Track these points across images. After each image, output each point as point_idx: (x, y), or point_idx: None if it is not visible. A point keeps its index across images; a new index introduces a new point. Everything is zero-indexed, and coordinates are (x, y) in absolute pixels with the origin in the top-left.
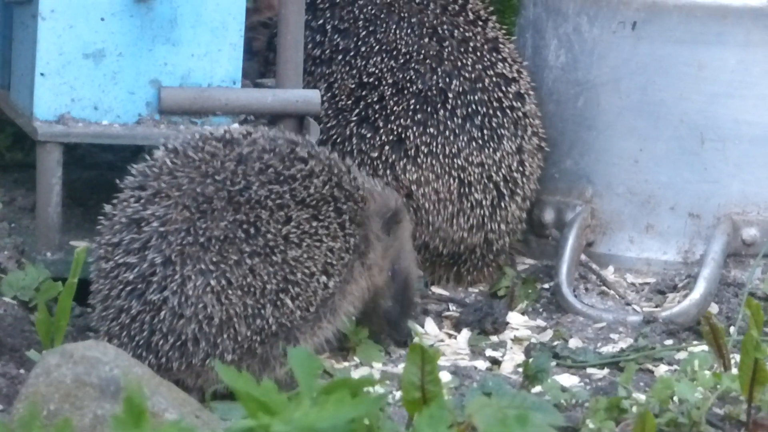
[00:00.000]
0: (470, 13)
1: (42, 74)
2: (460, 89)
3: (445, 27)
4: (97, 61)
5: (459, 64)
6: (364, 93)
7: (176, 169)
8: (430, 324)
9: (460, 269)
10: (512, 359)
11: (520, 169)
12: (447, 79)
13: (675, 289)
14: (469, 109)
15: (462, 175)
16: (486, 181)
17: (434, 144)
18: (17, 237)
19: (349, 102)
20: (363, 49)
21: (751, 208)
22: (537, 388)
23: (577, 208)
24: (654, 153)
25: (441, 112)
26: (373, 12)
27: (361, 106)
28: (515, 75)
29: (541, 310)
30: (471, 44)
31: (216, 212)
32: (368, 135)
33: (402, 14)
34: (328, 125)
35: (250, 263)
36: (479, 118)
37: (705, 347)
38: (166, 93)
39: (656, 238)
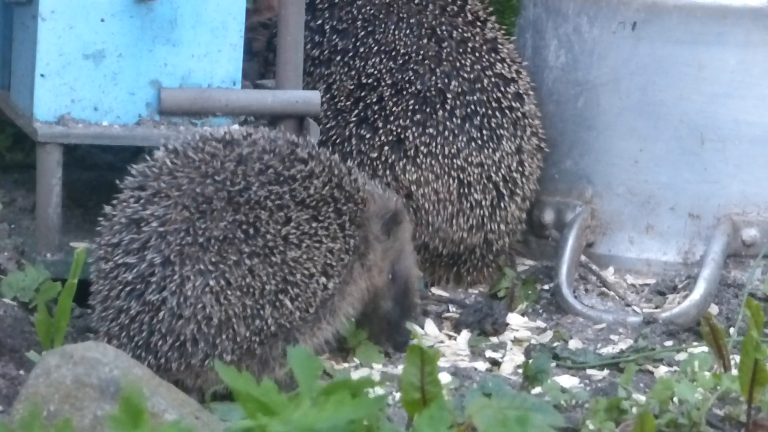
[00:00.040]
0: (469, 14)
1: (42, 75)
2: (459, 90)
3: (443, 27)
4: (97, 61)
5: (458, 64)
6: (363, 94)
7: (176, 170)
8: (429, 325)
9: (460, 270)
10: (512, 360)
11: (520, 169)
12: (446, 80)
13: (675, 290)
14: (469, 110)
15: (461, 176)
16: (485, 181)
17: (433, 144)
18: (17, 238)
19: (348, 103)
20: (362, 49)
21: (751, 208)
22: (537, 389)
23: (576, 208)
24: (654, 153)
25: (440, 112)
26: (371, 12)
27: (360, 107)
28: (514, 75)
29: (541, 311)
30: (470, 45)
31: (215, 212)
32: (367, 136)
33: (401, 15)
34: (328, 126)
35: (249, 264)
36: (478, 118)
37: (705, 348)
38: (166, 94)
39: (656, 239)
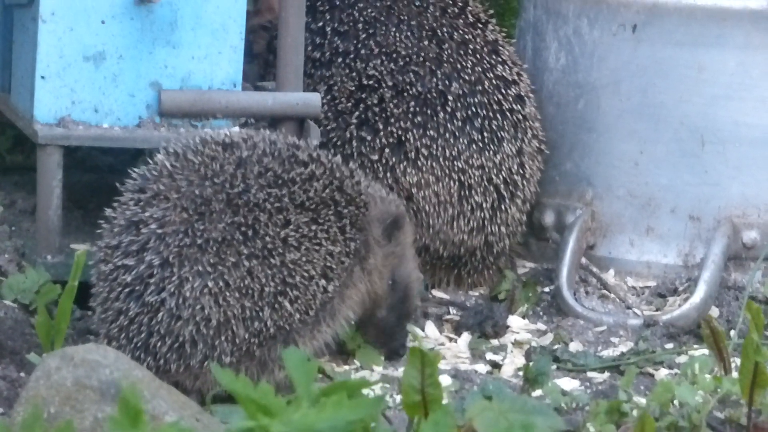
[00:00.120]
0: (470, 16)
1: (42, 77)
2: (460, 92)
3: (444, 29)
4: (97, 63)
5: (459, 66)
6: (363, 95)
7: (175, 172)
8: (430, 327)
9: (461, 272)
10: (513, 362)
11: (521, 171)
12: (447, 82)
13: (675, 293)
14: (469, 112)
15: (462, 178)
16: (486, 183)
17: (434, 146)
18: (17, 240)
19: (349, 104)
20: (363, 51)
21: (751, 210)
22: (537, 392)
23: (577, 210)
24: (654, 155)
25: (441, 114)
26: (372, 14)
27: (360, 109)
28: (515, 77)
29: (541, 313)
30: (471, 47)
31: (214, 214)
32: (368, 137)
33: (401, 17)
34: (328, 128)
35: (248, 265)
36: (479, 120)
37: (705, 350)
38: (167, 95)
39: (656, 241)
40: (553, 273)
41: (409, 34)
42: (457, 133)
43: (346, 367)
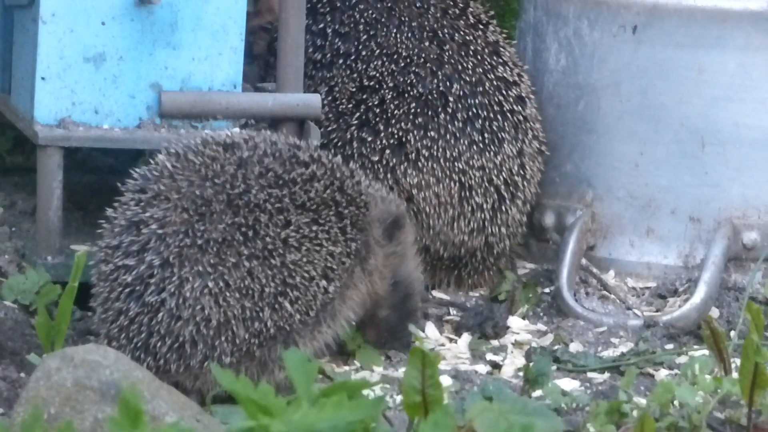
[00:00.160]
0: (471, 17)
1: (42, 78)
2: (461, 93)
3: (445, 30)
4: (97, 64)
5: (459, 67)
6: (364, 96)
7: (176, 173)
8: (430, 328)
9: (461, 273)
10: (513, 363)
11: (521, 172)
12: (447, 83)
13: (675, 293)
14: (470, 113)
15: (463, 179)
16: (487, 184)
17: (435, 147)
18: (18, 241)
19: (350, 105)
20: (363, 52)
21: (751, 211)
22: (537, 392)
23: (577, 211)
24: (654, 157)
25: (441, 115)
26: (373, 16)
27: (361, 110)
28: (516, 78)
29: (541, 314)
30: (471, 48)
31: (215, 215)
32: (369, 138)
33: (402, 18)
34: (329, 129)
35: (248, 266)
36: (480, 121)
37: (706, 351)
38: (167, 97)
39: (657, 242)
40: (554, 274)
41: (410, 35)
42: (457, 134)
43: (346, 368)
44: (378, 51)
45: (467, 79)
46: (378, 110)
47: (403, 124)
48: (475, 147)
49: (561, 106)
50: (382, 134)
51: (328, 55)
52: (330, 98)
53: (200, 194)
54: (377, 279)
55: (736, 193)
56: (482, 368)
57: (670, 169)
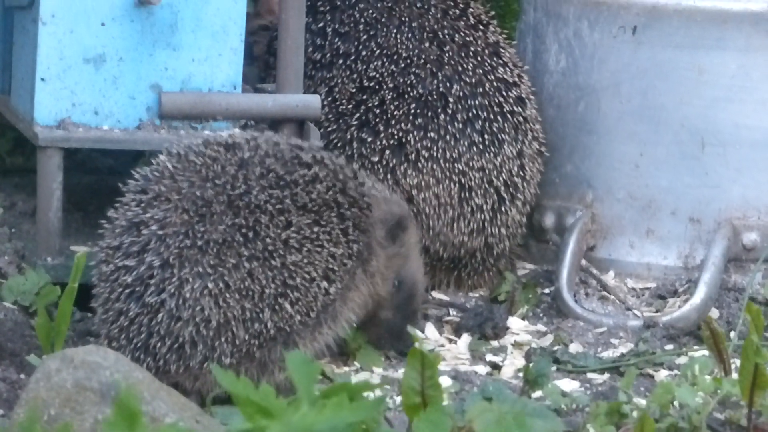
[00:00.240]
0: (471, 18)
1: (42, 79)
2: (461, 94)
3: (445, 31)
4: (97, 65)
5: (460, 68)
6: (364, 97)
7: (177, 173)
8: (430, 329)
9: (461, 274)
10: (513, 364)
11: (521, 173)
12: (448, 84)
13: (675, 294)
14: (470, 114)
15: (462, 180)
16: (486, 185)
17: (435, 148)
18: (18, 242)
19: (350, 106)
20: (364, 53)
21: (751, 212)
22: (537, 393)
23: (577, 212)
24: (654, 157)
25: (441, 116)
26: (373, 16)
27: (361, 111)
28: (516, 79)
29: (541, 314)
30: (472, 49)
31: (215, 216)
32: (369, 139)
33: (403, 18)
34: (329, 129)
35: (248, 267)
36: (480, 122)
37: (705, 352)
38: (167, 98)
39: (657, 243)
40: (553, 275)
41: (410, 35)
42: (457, 135)
43: (346, 369)
44: (378, 51)
45: (467, 80)
46: (378, 111)
47: (403, 124)
48: (475, 148)
49: (561, 107)
50: (382, 135)
51: (328, 55)
52: (330, 99)
53: (201, 195)
54: (379, 281)
55: (736, 194)
56: (482, 369)
57: (670, 170)
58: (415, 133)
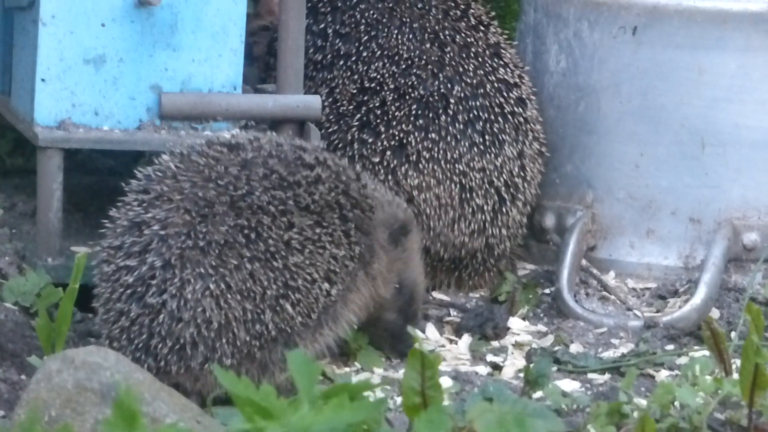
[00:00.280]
0: (472, 18)
1: (42, 80)
2: (462, 94)
3: (446, 32)
4: (97, 66)
5: (460, 69)
6: (365, 98)
7: (179, 173)
8: (430, 329)
9: (461, 274)
10: (513, 364)
11: (521, 174)
12: (448, 85)
13: (676, 294)
14: (471, 115)
15: (463, 181)
16: (487, 186)
17: (435, 149)
18: (18, 242)
19: (351, 107)
20: (365, 53)
21: (751, 212)
22: (538, 393)
23: (577, 213)
24: (655, 158)
25: (442, 117)
26: (374, 16)
27: (362, 111)
28: (517, 80)
29: (542, 315)
30: (472, 49)
31: (217, 216)
32: (370, 140)
33: (404, 19)
34: (330, 130)
35: (250, 268)
36: (480, 123)
37: (706, 352)
38: (167, 98)
39: (657, 243)
40: (554, 275)
41: (411, 36)
42: (458, 136)
43: (347, 369)
44: (379, 52)
45: (468, 81)
46: (379, 112)
47: (404, 125)
48: (475, 149)
49: (561, 107)
50: (383, 136)
51: (329, 56)
52: (330, 100)
53: (203, 195)
54: (381, 283)
55: (736, 194)
56: (482, 369)
57: (671, 170)
58: (416, 134)
